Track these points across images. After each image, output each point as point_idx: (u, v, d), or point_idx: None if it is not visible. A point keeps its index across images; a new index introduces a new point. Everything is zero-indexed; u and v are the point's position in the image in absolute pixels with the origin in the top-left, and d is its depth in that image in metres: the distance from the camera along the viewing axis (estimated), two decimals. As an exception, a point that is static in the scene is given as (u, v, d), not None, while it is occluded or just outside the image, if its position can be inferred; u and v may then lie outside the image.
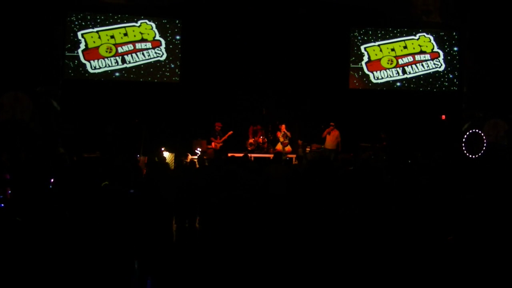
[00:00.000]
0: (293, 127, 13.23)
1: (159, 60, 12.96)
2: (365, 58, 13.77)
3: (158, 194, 5.44)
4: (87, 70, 12.54)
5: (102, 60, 12.62)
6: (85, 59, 12.54)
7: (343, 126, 12.84)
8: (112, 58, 12.68)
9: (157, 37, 12.97)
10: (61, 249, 3.94)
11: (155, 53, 12.94)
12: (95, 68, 12.55)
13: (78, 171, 6.16)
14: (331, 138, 12.54)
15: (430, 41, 13.79)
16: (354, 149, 12.67)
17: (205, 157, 9.71)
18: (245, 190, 4.82)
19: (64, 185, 5.69)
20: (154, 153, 9.92)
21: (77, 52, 12.51)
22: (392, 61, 13.77)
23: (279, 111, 13.47)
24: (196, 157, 10.45)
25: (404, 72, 13.76)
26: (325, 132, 12.56)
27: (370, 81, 13.74)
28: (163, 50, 12.99)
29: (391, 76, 13.74)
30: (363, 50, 13.76)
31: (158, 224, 5.26)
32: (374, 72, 13.75)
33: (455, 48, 13.82)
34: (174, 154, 10.96)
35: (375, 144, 12.47)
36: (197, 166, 7.87)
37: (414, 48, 13.80)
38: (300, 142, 13.03)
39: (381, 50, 13.78)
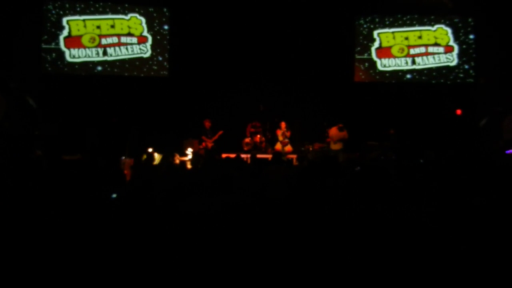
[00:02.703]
0: (294, 125, 13.25)
1: (142, 57, 12.94)
2: (376, 44, 13.81)
3: (146, 199, 5.42)
4: (65, 58, 12.50)
5: (83, 50, 12.62)
6: (65, 46, 12.53)
7: (348, 122, 12.85)
8: (93, 49, 12.68)
9: (145, 33, 12.98)
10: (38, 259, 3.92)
11: (140, 49, 12.96)
12: (73, 57, 12.54)
13: (57, 176, 6.13)
14: (338, 137, 12.52)
15: (447, 34, 13.84)
16: (361, 148, 12.65)
17: (199, 157, 9.67)
18: (239, 194, 4.78)
19: (41, 191, 5.65)
20: (141, 155, 9.88)
21: (57, 43, 12.48)
22: (403, 49, 13.79)
23: (277, 107, 13.51)
24: (187, 158, 10.42)
25: (413, 62, 13.78)
26: (332, 130, 12.50)
27: (377, 69, 13.73)
28: (149, 47, 13.00)
29: (399, 65, 13.77)
30: (375, 36, 13.81)
31: (146, 233, 5.23)
32: (383, 59, 13.78)
33: (471, 36, 13.84)
34: (162, 155, 10.92)
35: (383, 143, 12.45)
36: (189, 167, 7.85)
37: (429, 39, 13.84)
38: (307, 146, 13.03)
39: (394, 38, 13.83)
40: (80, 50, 12.61)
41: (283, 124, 12.76)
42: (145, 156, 9.34)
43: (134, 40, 12.94)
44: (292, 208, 5.13)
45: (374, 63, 13.81)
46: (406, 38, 13.82)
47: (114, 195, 4.57)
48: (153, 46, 13.05)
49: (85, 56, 12.68)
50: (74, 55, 12.57)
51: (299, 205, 4.95)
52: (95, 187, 4.47)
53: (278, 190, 6.23)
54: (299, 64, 13.75)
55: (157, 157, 10.78)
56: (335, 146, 12.48)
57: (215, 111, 13.16)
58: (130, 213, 4.49)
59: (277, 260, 3.91)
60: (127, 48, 12.89)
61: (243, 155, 11.43)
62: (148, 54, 13.00)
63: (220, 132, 12.38)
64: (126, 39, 12.89)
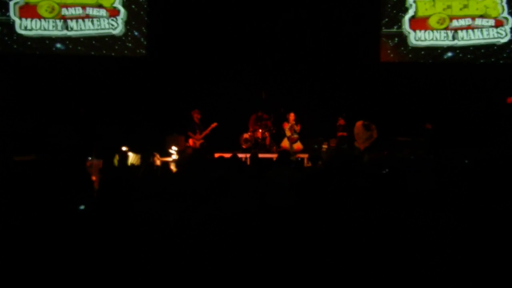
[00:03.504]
0: (305, 117, 13.27)
1: (111, 34, 12.94)
2: (411, 12, 13.81)
3: (120, 212, 5.41)
4: (14, 30, 12.48)
5: (38, 21, 12.62)
6: (16, 15, 12.48)
7: (373, 113, 12.84)
8: (51, 21, 12.67)
9: (117, 4, 12.95)
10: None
11: (109, 24, 12.93)
12: (26, 29, 12.54)
13: (5, 182, 6.13)
14: (365, 137, 12.47)
15: (499, 4, 13.76)
16: (389, 146, 12.61)
17: (186, 158, 9.66)
18: (236, 203, 4.79)
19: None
20: (113, 155, 9.87)
21: (3, 12, 12.45)
22: (444, 20, 13.76)
23: (284, 94, 13.54)
24: (170, 158, 10.39)
25: (454, 37, 13.75)
26: (357, 127, 12.46)
27: (409, 45, 13.72)
28: (120, 22, 12.98)
29: (436, 39, 13.75)
30: (410, 2, 13.76)
31: (122, 255, 5.23)
32: (417, 31, 13.77)
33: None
34: (140, 155, 10.91)
35: (417, 139, 12.43)
36: (173, 170, 7.85)
37: (477, 9, 13.81)
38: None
39: (434, 5, 13.79)
40: (34, 20, 12.63)
41: (291, 116, 12.74)
42: (117, 157, 9.34)
43: (103, 12, 12.97)
44: (302, 221, 5.12)
45: (406, 37, 13.79)
46: (449, 7, 13.78)
47: (82, 207, 4.56)
48: (127, 20, 13.05)
49: (40, 29, 12.68)
50: (26, 26, 12.56)
51: (311, 218, 4.94)
52: (54, 196, 4.45)
53: (284, 198, 6.22)
54: (311, 40, 13.75)
55: (133, 157, 10.78)
56: (360, 144, 12.46)
57: (206, 99, 13.20)
58: (101, 229, 4.48)
59: (281, 284, 3.91)
60: (92, 22, 12.90)
61: (241, 155, 11.41)
62: (118, 31, 13.03)
63: (213, 125, 12.33)
64: (93, 10, 12.91)
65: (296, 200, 5.99)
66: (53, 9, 12.70)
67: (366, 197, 5.01)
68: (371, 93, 13.52)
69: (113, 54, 13.04)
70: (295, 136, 12.67)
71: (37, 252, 3.84)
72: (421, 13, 13.82)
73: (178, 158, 8.73)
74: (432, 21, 13.81)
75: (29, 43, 12.73)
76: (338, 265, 3.98)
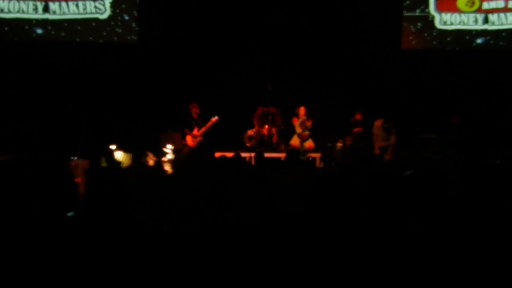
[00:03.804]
0: (317, 111, 13.26)
1: (97, 19, 12.95)
2: (437, -8, 13.78)
3: (109, 218, 5.42)
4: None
5: (16, 3, 12.64)
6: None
7: (393, 107, 12.84)
8: (30, 3, 12.67)
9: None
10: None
11: (95, 7, 12.93)
12: (2, 11, 12.58)
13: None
14: (383, 139, 12.44)
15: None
16: (412, 144, 12.60)
17: (183, 157, 9.70)
18: (239, 210, 4.81)
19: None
20: (100, 155, 9.90)
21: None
22: (473, 2, 13.73)
23: (293, 86, 13.53)
24: (165, 158, 10.40)
25: (485, 21, 13.72)
26: (376, 126, 12.44)
27: (434, 29, 13.70)
28: (108, 5, 12.99)
29: (465, 23, 13.72)
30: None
31: (111, 264, 5.26)
32: (443, 14, 13.73)
33: None
34: (131, 154, 10.93)
35: (443, 136, 12.41)
36: (168, 171, 7.86)
37: (514, -11, 13.78)
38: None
39: (463, -15, 13.80)
40: (12, 2, 12.64)
41: (301, 110, 12.72)
42: (104, 158, 9.36)
43: (89, -7, 12.99)
44: (312, 231, 5.13)
45: (431, 22, 13.75)
46: (479, -13, 13.81)
47: (70, 214, 4.57)
48: (115, 2, 13.04)
49: (18, 11, 12.69)
50: (3, 8, 12.57)
51: (323, 228, 4.95)
52: (34, 203, 4.46)
53: (293, 204, 6.22)
54: (324, 25, 13.72)
55: (123, 157, 10.80)
56: (379, 142, 12.44)
57: (205, 92, 13.17)
58: (87, 239, 4.49)
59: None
60: (77, 5, 12.91)
61: (244, 154, 11.40)
62: (106, 15, 13.04)
63: (213, 120, 12.27)
64: (77, -10, 12.94)
65: (306, 207, 5.99)
66: (32, -12, 12.76)
67: (386, 204, 5.01)
68: (391, 85, 13.50)
69: (100, 40, 13.06)
70: (306, 133, 12.65)
71: (20, 265, 3.87)
72: (449, -7, 13.83)
73: (174, 158, 8.76)
74: (461, 3, 13.77)
75: (6, 28, 12.76)
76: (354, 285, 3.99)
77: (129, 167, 10.25)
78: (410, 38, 13.84)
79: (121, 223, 5.01)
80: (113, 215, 5.31)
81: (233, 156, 7.85)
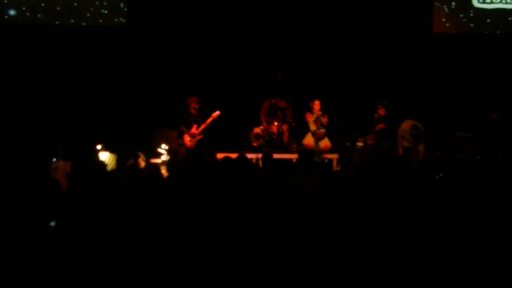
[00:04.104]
0: (334, 106, 13.23)
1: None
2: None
3: (94, 228, 5.38)
4: None
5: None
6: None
7: (423, 101, 12.76)
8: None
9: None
10: None
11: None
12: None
13: None
14: (409, 141, 12.34)
15: None
16: (445, 143, 12.53)
17: (179, 159, 9.61)
18: (244, 220, 4.72)
19: None
20: (84, 156, 9.86)
21: None
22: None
23: (307, 76, 13.50)
24: (159, 160, 10.34)
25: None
26: (404, 129, 12.32)
27: (471, 9, 13.61)
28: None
29: (506, 2, 13.65)
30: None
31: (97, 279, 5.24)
32: (481, -8, 13.71)
33: None
34: (118, 156, 10.87)
35: (481, 134, 12.33)
36: (163, 174, 7.81)
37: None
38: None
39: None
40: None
41: (316, 105, 12.62)
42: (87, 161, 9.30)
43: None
44: (330, 246, 5.03)
45: (467, 0, 13.67)
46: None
47: (53, 223, 4.54)
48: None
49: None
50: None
51: (343, 242, 4.85)
52: (13, 211, 4.44)
53: (308, 214, 6.15)
54: (342, 5, 13.66)
55: (108, 158, 10.75)
56: (406, 142, 12.31)
57: (205, 84, 13.18)
58: (70, 251, 4.46)
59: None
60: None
61: (250, 155, 11.35)
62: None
63: (214, 115, 12.20)
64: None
65: (323, 218, 5.90)
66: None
67: (415, 214, 4.92)
68: (420, 75, 13.46)
69: (83, 23, 13.03)
70: (322, 130, 12.56)
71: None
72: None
73: (169, 160, 8.67)
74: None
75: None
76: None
77: (116, 170, 10.17)
78: (443, 20, 13.78)
79: (108, 233, 4.98)
80: (97, 224, 5.27)
81: (237, 158, 7.78)
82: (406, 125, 12.13)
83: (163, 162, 9.54)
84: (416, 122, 11.95)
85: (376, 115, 12.69)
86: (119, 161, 10.06)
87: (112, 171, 9.71)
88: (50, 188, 6.38)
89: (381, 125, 12.58)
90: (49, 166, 9.38)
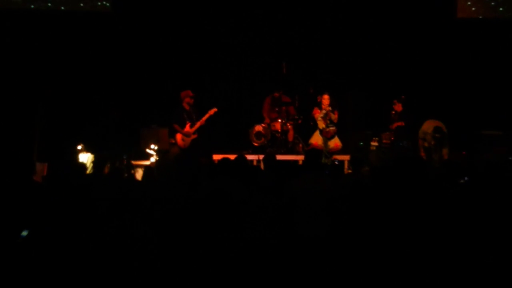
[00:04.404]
0: (345, 101, 13.27)
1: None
2: None
3: (72, 237, 5.44)
4: None
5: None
6: None
7: (445, 95, 12.81)
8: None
9: None
10: None
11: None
12: None
13: None
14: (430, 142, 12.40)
15: None
16: (471, 142, 12.58)
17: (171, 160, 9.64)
18: (247, 229, 4.81)
19: None
20: (63, 157, 9.92)
21: None
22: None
23: (314, 67, 13.55)
24: (148, 162, 10.42)
25: None
26: (425, 130, 12.36)
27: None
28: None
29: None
30: None
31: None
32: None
33: None
34: (95, 156, 10.90)
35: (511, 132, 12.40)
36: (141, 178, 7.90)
37: None
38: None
39: None
40: None
41: (325, 99, 12.63)
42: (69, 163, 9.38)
43: None
44: (340, 255, 5.10)
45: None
46: None
47: (24, 233, 4.61)
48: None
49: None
50: None
51: (354, 251, 4.92)
52: None
53: (314, 223, 6.21)
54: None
55: (90, 160, 10.80)
56: (427, 144, 12.34)
57: (200, 76, 13.22)
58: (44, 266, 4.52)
59: None
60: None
61: (251, 156, 11.41)
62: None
63: (211, 112, 12.18)
64: None
65: (332, 226, 5.96)
66: None
67: (438, 223, 4.98)
68: (442, 65, 13.47)
69: (62, 8, 13.08)
70: (331, 128, 12.53)
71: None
72: None
73: (159, 161, 8.73)
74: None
75: None
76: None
77: (94, 174, 10.19)
78: (468, 3, 13.81)
79: (87, 245, 5.05)
80: (76, 233, 5.33)
81: (236, 159, 7.82)
82: (428, 126, 12.13)
83: (153, 164, 9.59)
84: (439, 122, 11.94)
85: (392, 111, 12.76)
86: (96, 163, 10.08)
87: (90, 174, 9.78)
88: (30, 192, 6.49)
89: (399, 123, 12.65)
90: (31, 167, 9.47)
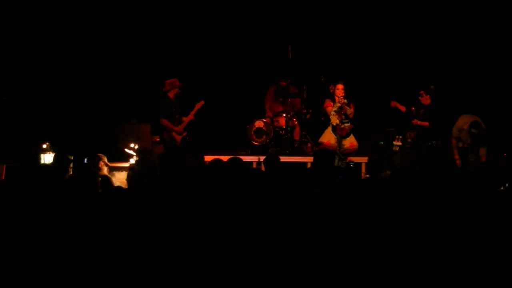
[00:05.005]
0: (362, 92, 13.33)
1: None
2: None
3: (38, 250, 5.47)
4: None
5: None
6: None
7: (481, 90, 12.83)
8: None
9: None
10: None
11: None
12: None
13: None
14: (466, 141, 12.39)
15: None
16: (509, 144, 12.59)
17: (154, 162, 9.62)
18: (244, 244, 4.80)
19: None
20: (24, 157, 9.95)
21: None
22: None
23: (325, 52, 13.60)
24: (127, 163, 10.42)
25: None
26: (460, 126, 12.34)
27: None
28: None
29: None
30: None
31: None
32: None
33: None
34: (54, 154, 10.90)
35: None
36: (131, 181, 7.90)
37: None
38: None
39: None
40: None
41: (339, 90, 12.54)
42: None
43: None
44: (354, 273, 5.08)
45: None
46: None
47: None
48: None
49: None
50: None
51: (370, 268, 4.89)
52: None
53: (326, 233, 6.18)
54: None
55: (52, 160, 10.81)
56: (461, 144, 12.31)
57: (190, 61, 13.29)
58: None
59: None
60: None
61: (250, 158, 11.42)
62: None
63: (198, 106, 12.01)
64: None
65: (346, 241, 5.93)
66: None
67: (474, 236, 4.97)
68: (478, 52, 13.45)
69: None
70: (346, 125, 12.44)
71: None
72: None
73: (140, 163, 8.69)
74: None
75: None
76: None
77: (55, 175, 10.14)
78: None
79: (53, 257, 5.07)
80: (41, 246, 5.36)
81: (230, 161, 7.76)
82: (464, 122, 12.08)
83: (132, 166, 9.52)
84: (477, 117, 11.91)
85: (413, 107, 12.69)
86: (54, 164, 10.05)
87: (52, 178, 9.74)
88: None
89: (421, 122, 12.57)
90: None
